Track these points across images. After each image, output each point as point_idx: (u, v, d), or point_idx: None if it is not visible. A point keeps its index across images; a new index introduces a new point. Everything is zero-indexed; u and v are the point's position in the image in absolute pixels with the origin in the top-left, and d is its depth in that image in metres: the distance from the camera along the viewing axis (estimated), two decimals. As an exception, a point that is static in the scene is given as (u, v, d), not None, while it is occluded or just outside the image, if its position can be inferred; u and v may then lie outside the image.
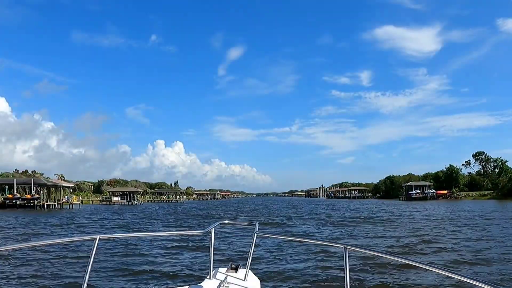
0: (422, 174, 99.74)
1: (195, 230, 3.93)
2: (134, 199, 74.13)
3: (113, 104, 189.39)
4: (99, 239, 2.73)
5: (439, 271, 2.13)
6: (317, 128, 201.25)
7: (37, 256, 11.80)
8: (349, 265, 2.47)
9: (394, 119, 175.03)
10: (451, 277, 2.06)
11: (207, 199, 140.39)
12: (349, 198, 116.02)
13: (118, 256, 11.98)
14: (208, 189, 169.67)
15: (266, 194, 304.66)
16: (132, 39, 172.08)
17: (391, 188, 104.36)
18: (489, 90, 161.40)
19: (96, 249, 2.66)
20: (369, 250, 2.84)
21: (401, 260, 2.78)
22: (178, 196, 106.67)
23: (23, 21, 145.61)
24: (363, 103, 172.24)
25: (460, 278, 1.95)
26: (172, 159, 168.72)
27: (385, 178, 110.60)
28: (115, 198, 74.25)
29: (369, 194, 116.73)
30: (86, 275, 2.57)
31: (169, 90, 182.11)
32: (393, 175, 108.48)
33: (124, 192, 78.55)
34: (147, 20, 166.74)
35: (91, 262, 2.60)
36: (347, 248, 2.50)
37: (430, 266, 2.16)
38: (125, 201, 73.61)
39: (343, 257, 2.46)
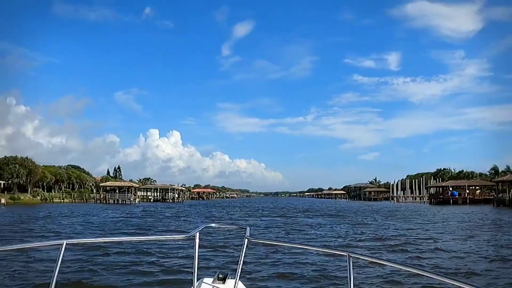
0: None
1: (177, 235, 2.95)
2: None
3: (99, 87, 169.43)
4: (66, 244, 2.53)
5: (451, 282, 1.93)
6: (336, 119, 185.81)
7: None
8: (353, 275, 2.29)
9: (425, 109, 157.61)
10: None
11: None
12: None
13: (85, 264, 10.15)
14: (203, 185, 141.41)
15: (277, 193, 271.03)
16: (122, 13, 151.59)
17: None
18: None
19: (62, 256, 2.46)
20: (375, 258, 2.70)
21: (409, 269, 2.44)
22: (128, 195, 67.42)
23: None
24: (390, 90, 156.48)
25: None
26: (167, 151, 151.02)
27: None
28: None
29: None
30: (52, 284, 2.38)
31: (166, 72, 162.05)
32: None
33: None
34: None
35: (57, 270, 2.41)
36: (351, 256, 2.34)
37: (441, 276, 2.02)
38: None
39: (346, 266, 2.33)
